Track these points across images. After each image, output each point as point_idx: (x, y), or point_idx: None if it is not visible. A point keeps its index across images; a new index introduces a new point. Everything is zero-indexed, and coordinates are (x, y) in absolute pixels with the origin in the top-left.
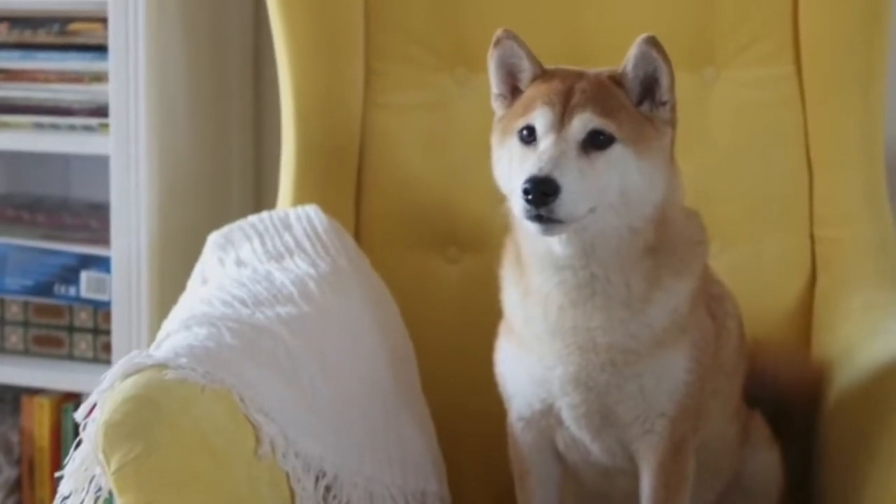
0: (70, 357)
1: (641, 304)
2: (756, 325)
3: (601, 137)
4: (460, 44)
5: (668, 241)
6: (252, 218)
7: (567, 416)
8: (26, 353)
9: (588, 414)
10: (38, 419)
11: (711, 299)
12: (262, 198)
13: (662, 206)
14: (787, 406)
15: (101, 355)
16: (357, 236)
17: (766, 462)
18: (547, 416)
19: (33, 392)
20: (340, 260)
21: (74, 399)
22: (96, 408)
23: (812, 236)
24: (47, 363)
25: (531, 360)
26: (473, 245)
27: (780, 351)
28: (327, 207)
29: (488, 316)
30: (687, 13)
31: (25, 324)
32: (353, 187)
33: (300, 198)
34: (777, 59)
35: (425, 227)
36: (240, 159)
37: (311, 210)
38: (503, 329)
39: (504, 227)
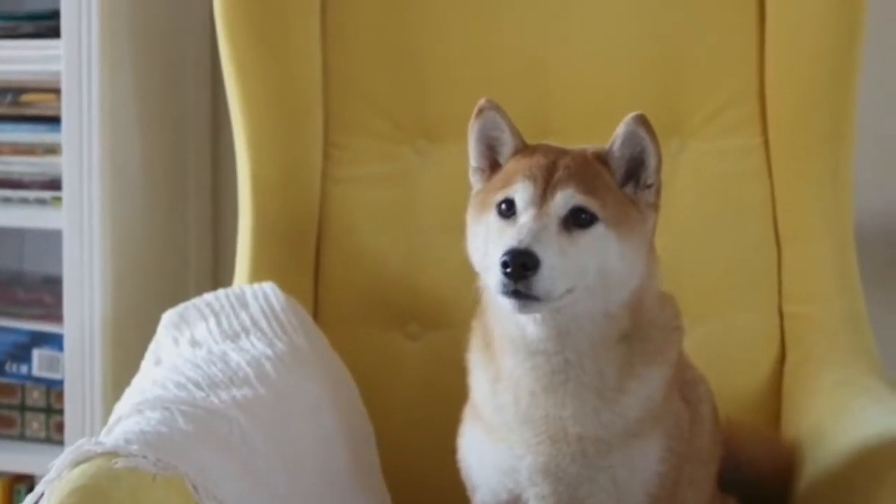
0: (22, 437)
1: (614, 392)
2: (724, 403)
3: (583, 216)
4: (421, 115)
5: (642, 327)
6: (207, 296)
7: None
8: None
9: None
10: None
11: (685, 384)
12: (219, 273)
13: (640, 291)
14: (761, 490)
15: (54, 435)
16: (315, 313)
17: None
18: None
19: None
20: (298, 339)
21: (27, 480)
22: (43, 498)
23: (781, 312)
24: None
25: (499, 449)
26: (435, 321)
27: (752, 433)
28: (285, 284)
29: (451, 393)
30: (653, 83)
31: None
32: (311, 263)
33: (257, 274)
34: (744, 131)
35: (386, 303)
36: (197, 234)
37: (269, 287)
38: (469, 414)
39: (471, 304)
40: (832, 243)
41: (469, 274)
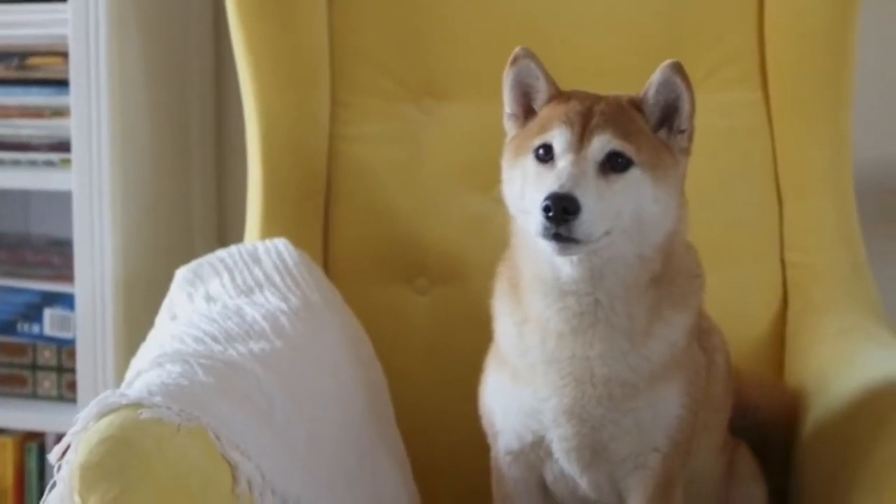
0: (34, 396)
1: (643, 336)
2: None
3: (619, 160)
4: (427, 74)
5: (670, 273)
6: (221, 252)
7: (557, 448)
8: None
9: (579, 448)
10: (1, 459)
11: (701, 333)
12: (224, 232)
13: (672, 235)
14: (767, 436)
15: (66, 394)
16: (326, 269)
17: (752, 497)
18: (536, 450)
19: None
20: (311, 294)
21: (38, 438)
22: (70, 449)
23: (783, 262)
24: (10, 402)
25: (524, 393)
26: (443, 276)
27: (758, 380)
28: (296, 240)
29: (461, 346)
30: (652, 39)
31: None
32: (321, 220)
33: (268, 231)
34: (744, 85)
35: (394, 258)
36: (202, 192)
37: (281, 243)
38: (492, 361)
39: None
40: (833, 195)
41: (474, 230)
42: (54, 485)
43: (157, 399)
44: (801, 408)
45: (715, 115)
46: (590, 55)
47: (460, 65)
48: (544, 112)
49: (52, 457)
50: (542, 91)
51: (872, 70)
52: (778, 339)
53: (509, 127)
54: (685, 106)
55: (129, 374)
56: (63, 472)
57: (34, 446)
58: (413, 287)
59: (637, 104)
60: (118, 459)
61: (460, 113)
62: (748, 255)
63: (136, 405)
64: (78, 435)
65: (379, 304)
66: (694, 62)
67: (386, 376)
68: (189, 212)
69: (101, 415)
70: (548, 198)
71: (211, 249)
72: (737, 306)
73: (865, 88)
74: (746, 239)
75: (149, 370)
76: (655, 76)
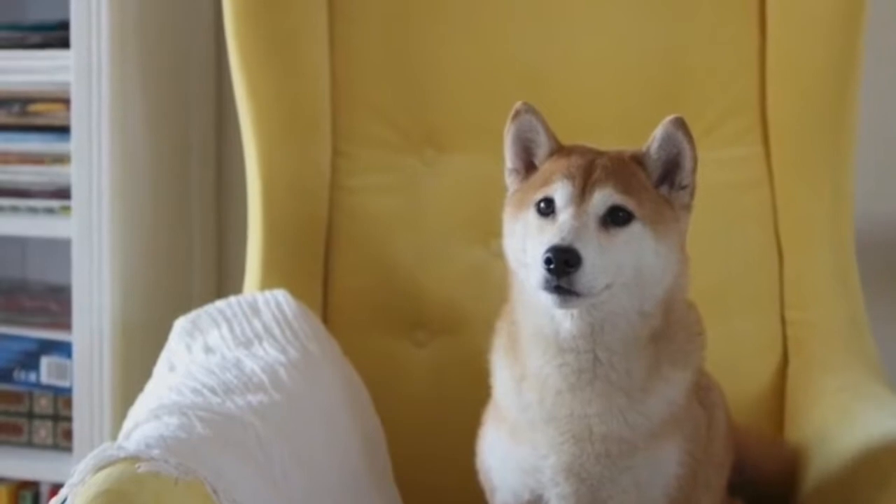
0: (29, 444)
1: (641, 393)
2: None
3: (621, 214)
4: (428, 124)
5: (670, 330)
6: (220, 303)
7: None
8: None
9: None
10: None
11: (700, 389)
12: (224, 281)
13: (672, 291)
14: (765, 493)
15: (62, 442)
16: (325, 319)
17: None
18: None
19: None
20: (310, 346)
21: (32, 487)
22: (66, 502)
23: (783, 318)
24: (6, 450)
25: (522, 450)
26: (442, 328)
27: (757, 437)
28: (295, 290)
29: (460, 397)
30: (654, 93)
31: None
32: (320, 271)
33: (268, 282)
34: (745, 140)
35: (393, 309)
36: (202, 242)
37: (280, 295)
38: (490, 417)
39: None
40: (833, 250)
41: (474, 281)
42: None
43: (155, 452)
44: (800, 464)
45: (715, 169)
46: (591, 106)
47: (462, 116)
48: (546, 166)
49: None
50: (543, 145)
51: (874, 123)
52: (778, 394)
53: (510, 182)
54: (687, 162)
55: (126, 426)
56: None
57: (28, 495)
58: (412, 339)
59: (639, 159)
60: None
61: (461, 164)
62: (748, 310)
63: (134, 458)
64: (74, 488)
65: (378, 356)
66: (696, 117)
67: (385, 426)
68: (189, 261)
69: (98, 468)
70: (549, 250)
71: (210, 299)
72: (736, 362)
73: (867, 142)
74: (746, 294)
75: (146, 422)
76: (658, 131)
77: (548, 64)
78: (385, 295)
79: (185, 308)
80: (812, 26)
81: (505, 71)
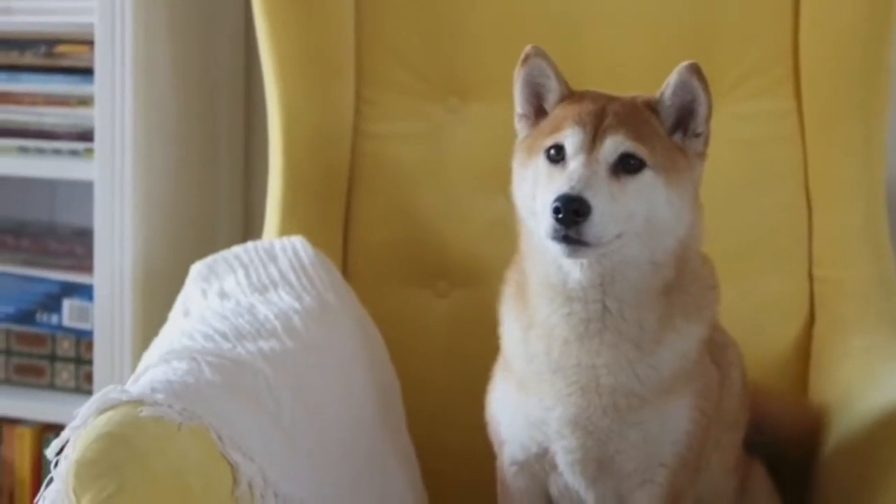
0: (51, 387)
1: (652, 345)
2: (752, 367)
3: (632, 162)
4: (453, 73)
5: (684, 282)
6: (237, 249)
7: (562, 461)
8: (7, 382)
9: (584, 460)
10: (19, 449)
11: (715, 347)
12: (250, 227)
13: (686, 241)
14: (785, 453)
15: (84, 385)
16: (344, 268)
17: None
18: (541, 461)
19: (14, 422)
20: (326, 294)
21: (56, 430)
22: (68, 445)
23: (811, 276)
24: (28, 393)
25: (529, 402)
26: (464, 279)
27: (779, 397)
28: (314, 239)
29: (477, 352)
30: (683, 44)
31: (7, 352)
32: (341, 219)
33: (287, 229)
34: (776, 93)
35: (415, 260)
36: (228, 187)
37: (298, 241)
38: (499, 369)
39: (499, 261)
40: (863, 208)
41: (498, 232)
42: (51, 481)
43: (160, 396)
44: (822, 425)
45: (746, 122)
46: (620, 56)
47: (487, 64)
48: (556, 112)
49: (49, 452)
50: (553, 91)
51: None
52: (803, 354)
53: (520, 128)
54: (702, 109)
55: (137, 370)
56: (60, 467)
57: (52, 437)
58: (433, 290)
59: (652, 106)
60: (114, 457)
61: (486, 113)
62: (776, 268)
63: (138, 402)
64: (76, 431)
65: (397, 306)
66: (726, 68)
67: (401, 380)
68: (215, 205)
69: (101, 411)
70: (558, 199)
71: (235, 243)
72: (762, 320)
73: None
74: (775, 252)
75: (155, 366)
76: (672, 77)
77: (576, 13)
78: (406, 243)
79: (209, 253)
80: None
81: (532, 20)
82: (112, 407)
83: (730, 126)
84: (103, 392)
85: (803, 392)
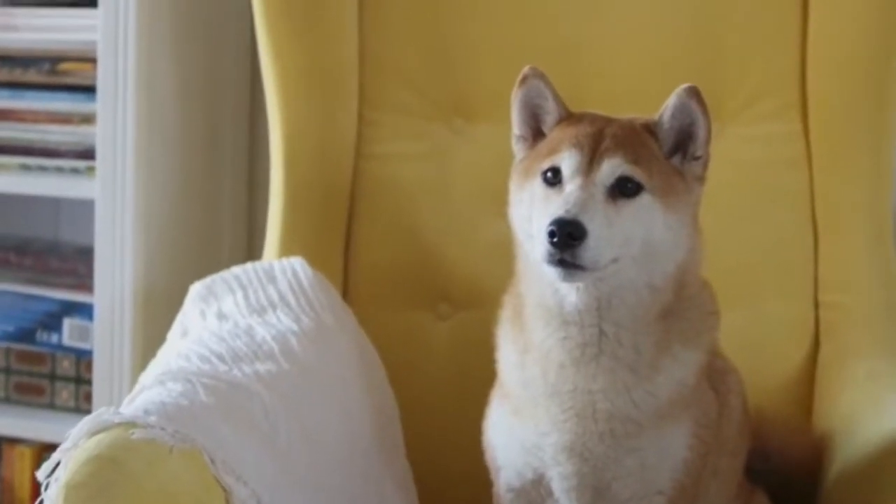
0: (51, 406)
1: (649, 370)
2: (756, 392)
3: (629, 185)
4: (457, 93)
5: (682, 306)
6: (236, 269)
7: (558, 487)
8: (7, 401)
9: (580, 487)
10: (19, 469)
11: (715, 373)
12: (253, 246)
13: (684, 265)
14: (789, 480)
15: (83, 405)
16: (345, 290)
17: None
18: (537, 488)
19: (13, 441)
20: (325, 316)
21: (55, 450)
22: (59, 467)
23: (816, 301)
24: (28, 412)
25: (525, 428)
26: (466, 302)
27: (782, 423)
28: (315, 260)
29: (479, 376)
30: (690, 66)
31: (7, 371)
32: (342, 240)
33: (287, 249)
34: (784, 117)
35: (416, 282)
36: (231, 206)
37: (297, 263)
38: (496, 394)
39: (502, 284)
40: (870, 233)
41: (501, 255)
42: (42, 503)
43: (152, 419)
44: (826, 452)
45: (752, 146)
46: (625, 79)
47: (491, 85)
48: (554, 134)
49: (40, 474)
50: (551, 112)
51: None
52: (808, 380)
53: (517, 149)
54: (701, 132)
55: (133, 391)
56: (51, 490)
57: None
58: (434, 312)
59: (651, 128)
60: (104, 480)
61: (489, 134)
62: (781, 292)
63: (130, 424)
64: (67, 453)
65: (398, 328)
66: (733, 90)
67: (401, 402)
68: (218, 225)
69: (93, 432)
70: (553, 222)
71: (238, 263)
72: (767, 345)
73: None
74: (780, 276)
75: (151, 387)
76: (671, 100)
77: (581, 35)
78: (408, 265)
79: (211, 272)
80: (856, 2)
81: (537, 41)
82: (104, 429)
83: (736, 148)
84: (96, 414)
85: (808, 418)
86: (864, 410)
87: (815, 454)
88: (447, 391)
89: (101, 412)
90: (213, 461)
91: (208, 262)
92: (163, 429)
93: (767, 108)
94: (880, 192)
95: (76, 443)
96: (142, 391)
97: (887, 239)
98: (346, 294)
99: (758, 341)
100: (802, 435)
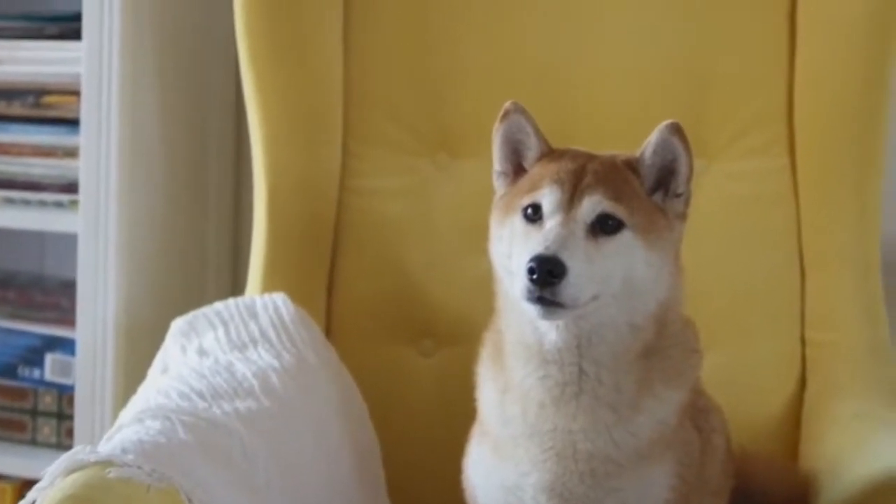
0: (33, 442)
1: (630, 409)
2: (742, 431)
3: (610, 222)
4: (442, 128)
5: (664, 345)
6: (218, 305)
7: None
8: None
9: None
10: None
11: (698, 412)
12: (238, 282)
13: (666, 303)
14: None
15: (65, 441)
16: (328, 325)
17: None
18: None
19: None
20: (306, 352)
21: None
22: None
23: (803, 339)
24: (9, 448)
25: (505, 467)
26: (450, 337)
27: (767, 462)
28: (298, 295)
29: (462, 412)
30: (677, 101)
31: None
32: (325, 275)
33: (270, 284)
34: (770, 152)
35: (400, 318)
36: (216, 241)
37: (279, 298)
38: (476, 432)
39: (486, 318)
40: (857, 270)
41: (486, 291)
42: None
43: (129, 457)
44: (811, 492)
45: (738, 181)
46: (612, 113)
47: (477, 120)
48: (535, 170)
49: None
50: (532, 148)
51: None
52: (794, 419)
53: (498, 185)
54: (683, 169)
55: (112, 429)
56: None
57: None
58: (418, 348)
59: (633, 165)
60: None
61: (474, 169)
62: (767, 328)
63: (106, 463)
64: (43, 491)
65: (381, 364)
66: (720, 126)
67: (384, 438)
68: (202, 260)
69: (69, 471)
70: (533, 259)
71: (223, 300)
72: (753, 382)
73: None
74: (767, 313)
75: (129, 425)
76: (653, 136)
77: (567, 70)
78: (392, 301)
79: (195, 307)
80: (844, 37)
81: (523, 75)
82: (80, 468)
83: (723, 184)
84: (72, 452)
85: (794, 457)
86: (849, 450)
87: (800, 494)
88: (430, 427)
89: (77, 450)
90: (190, 500)
91: (192, 298)
92: (139, 467)
93: (754, 143)
94: (867, 228)
95: (52, 481)
96: (120, 429)
97: (874, 276)
98: (329, 329)
99: (743, 379)
100: (787, 474)
